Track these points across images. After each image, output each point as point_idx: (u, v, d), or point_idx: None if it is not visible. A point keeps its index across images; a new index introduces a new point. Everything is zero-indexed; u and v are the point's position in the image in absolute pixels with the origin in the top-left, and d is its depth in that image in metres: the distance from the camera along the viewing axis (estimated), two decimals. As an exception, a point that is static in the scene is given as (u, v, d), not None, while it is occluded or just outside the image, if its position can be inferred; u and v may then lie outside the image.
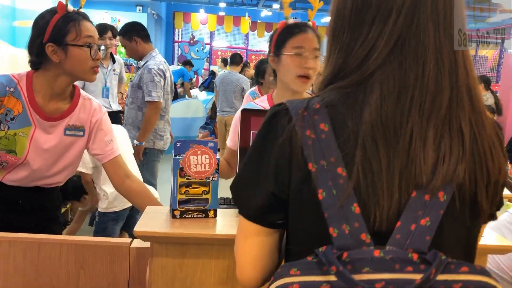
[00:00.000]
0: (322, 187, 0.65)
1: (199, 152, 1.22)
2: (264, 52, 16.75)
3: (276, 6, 12.84)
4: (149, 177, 3.46)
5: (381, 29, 0.68)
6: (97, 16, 11.88)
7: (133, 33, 3.38)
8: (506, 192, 3.15)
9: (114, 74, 4.31)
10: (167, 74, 3.40)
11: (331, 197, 0.64)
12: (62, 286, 1.36)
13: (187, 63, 10.52)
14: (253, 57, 15.67)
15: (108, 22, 12.19)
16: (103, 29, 4.17)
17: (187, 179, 1.23)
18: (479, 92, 0.70)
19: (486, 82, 6.71)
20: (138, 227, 1.17)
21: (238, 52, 16.26)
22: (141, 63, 3.42)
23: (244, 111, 1.43)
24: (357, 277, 0.60)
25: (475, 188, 0.67)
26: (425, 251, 0.62)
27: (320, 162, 0.65)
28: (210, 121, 7.49)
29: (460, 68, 0.68)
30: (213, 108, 7.59)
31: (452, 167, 0.65)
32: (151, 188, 2.93)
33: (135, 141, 3.33)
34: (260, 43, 16.87)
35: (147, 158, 3.41)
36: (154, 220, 1.24)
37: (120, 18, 12.34)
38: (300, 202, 0.68)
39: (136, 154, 3.32)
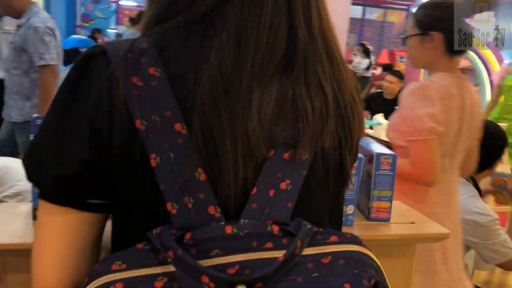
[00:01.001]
0: (156, 151, 0.51)
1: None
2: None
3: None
4: None
5: None
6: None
7: None
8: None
9: (3, 33, 3.67)
10: (57, 33, 2.95)
11: (168, 163, 0.51)
12: None
13: (95, 31, 9.48)
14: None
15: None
16: None
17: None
18: (336, 40, 0.61)
19: (365, 52, 7.04)
20: (-20, 237, 0.86)
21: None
22: (22, 20, 2.91)
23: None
24: (204, 263, 0.48)
25: (340, 153, 0.60)
26: (287, 221, 0.52)
27: (151, 118, 0.52)
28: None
29: (313, 11, 0.58)
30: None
31: (317, 129, 0.56)
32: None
33: (34, 116, 2.83)
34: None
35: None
36: (6, 224, 0.93)
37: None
38: (126, 173, 0.54)
39: None
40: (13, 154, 3.12)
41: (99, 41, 8.51)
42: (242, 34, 0.54)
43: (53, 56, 2.85)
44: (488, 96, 5.74)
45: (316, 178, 0.57)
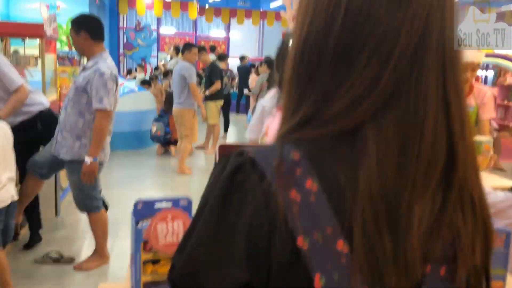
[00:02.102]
0: (320, 270, 0.49)
1: (169, 217, 0.90)
2: (214, 38, 16.29)
3: (225, -10, 12.36)
4: (91, 191, 3.07)
5: (376, 73, 0.53)
6: (33, 1, 11.00)
7: (83, 26, 2.98)
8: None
9: None
10: (118, 81, 3.06)
11: (333, 283, 0.49)
12: None
13: (153, 77, 9.18)
14: (202, 43, 15.17)
15: (47, 9, 11.36)
16: None
17: (154, 254, 0.91)
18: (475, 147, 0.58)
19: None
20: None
21: (187, 38, 15.76)
22: (89, 64, 3.00)
23: (222, 147, 1.12)
24: None
25: (486, 266, 0.58)
26: None
27: (313, 235, 0.50)
28: (165, 113, 7.05)
29: (465, 118, 0.56)
30: (167, 99, 7.17)
31: (470, 248, 0.55)
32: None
33: (87, 158, 2.91)
34: (209, 28, 16.36)
35: None
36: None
37: (59, 5, 11.51)
38: None
39: (89, 173, 2.93)
40: (43, 177, 3.25)
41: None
42: (402, 149, 0.52)
43: (112, 102, 2.93)
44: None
45: None
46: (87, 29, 2.98)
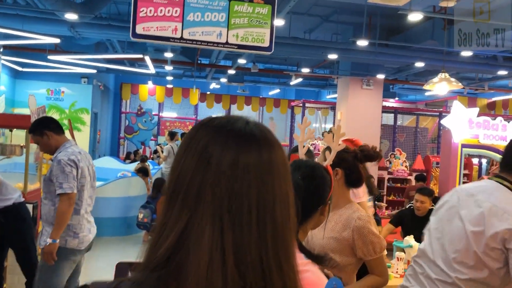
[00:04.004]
0: None
1: None
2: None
3: (224, 80, 12.94)
4: (49, 280, 3.05)
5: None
6: (39, 87, 11.54)
7: (43, 127, 3.18)
8: None
9: None
10: (81, 164, 3.15)
11: None
12: None
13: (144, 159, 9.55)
14: (202, 127, 15.55)
15: (51, 94, 11.89)
16: None
17: None
18: None
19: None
20: None
21: (188, 122, 16.10)
22: (54, 155, 3.16)
23: (119, 266, 1.18)
24: None
25: None
26: None
27: None
28: (152, 200, 7.11)
29: None
30: (155, 185, 7.24)
31: None
32: None
33: (48, 239, 2.99)
34: (210, 113, 16.91)
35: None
36: None
37: (64, 90, 12.05)
38: None
39: (47, 253, 2.97)
40: None
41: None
42: None
43: (72, 185, 3.04)
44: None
45: None
46: (49, 128, 3.18)
